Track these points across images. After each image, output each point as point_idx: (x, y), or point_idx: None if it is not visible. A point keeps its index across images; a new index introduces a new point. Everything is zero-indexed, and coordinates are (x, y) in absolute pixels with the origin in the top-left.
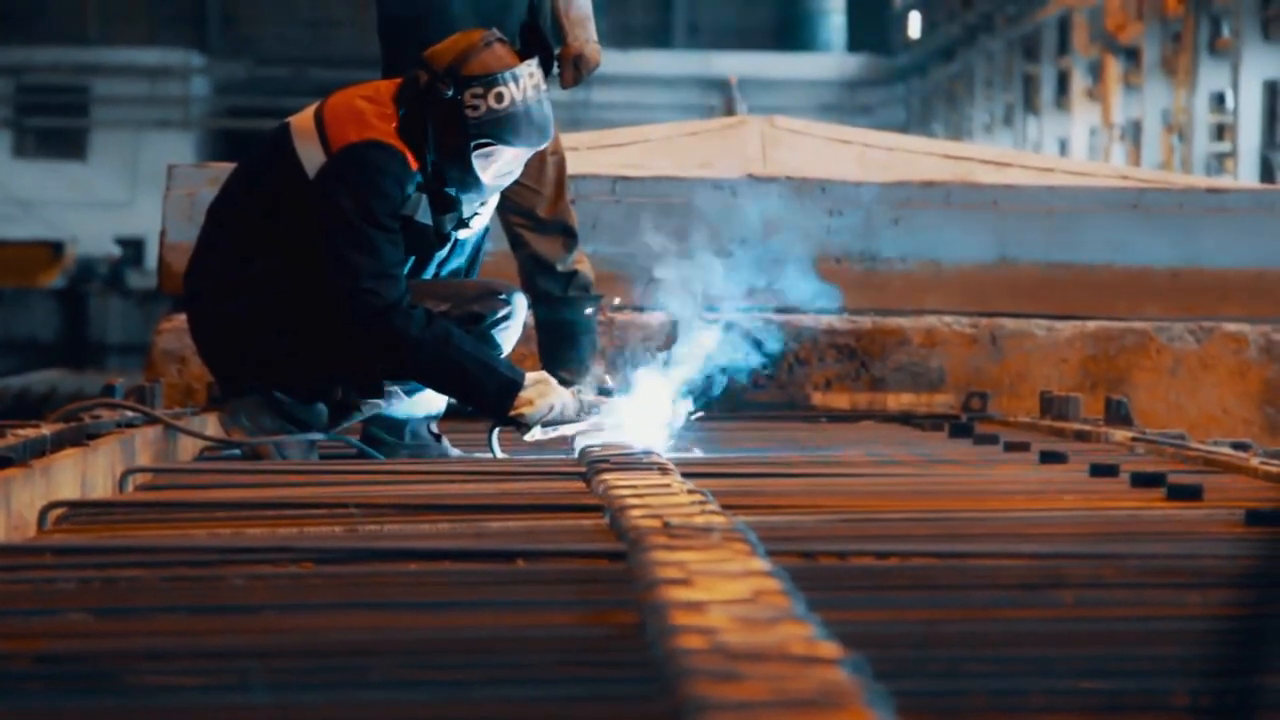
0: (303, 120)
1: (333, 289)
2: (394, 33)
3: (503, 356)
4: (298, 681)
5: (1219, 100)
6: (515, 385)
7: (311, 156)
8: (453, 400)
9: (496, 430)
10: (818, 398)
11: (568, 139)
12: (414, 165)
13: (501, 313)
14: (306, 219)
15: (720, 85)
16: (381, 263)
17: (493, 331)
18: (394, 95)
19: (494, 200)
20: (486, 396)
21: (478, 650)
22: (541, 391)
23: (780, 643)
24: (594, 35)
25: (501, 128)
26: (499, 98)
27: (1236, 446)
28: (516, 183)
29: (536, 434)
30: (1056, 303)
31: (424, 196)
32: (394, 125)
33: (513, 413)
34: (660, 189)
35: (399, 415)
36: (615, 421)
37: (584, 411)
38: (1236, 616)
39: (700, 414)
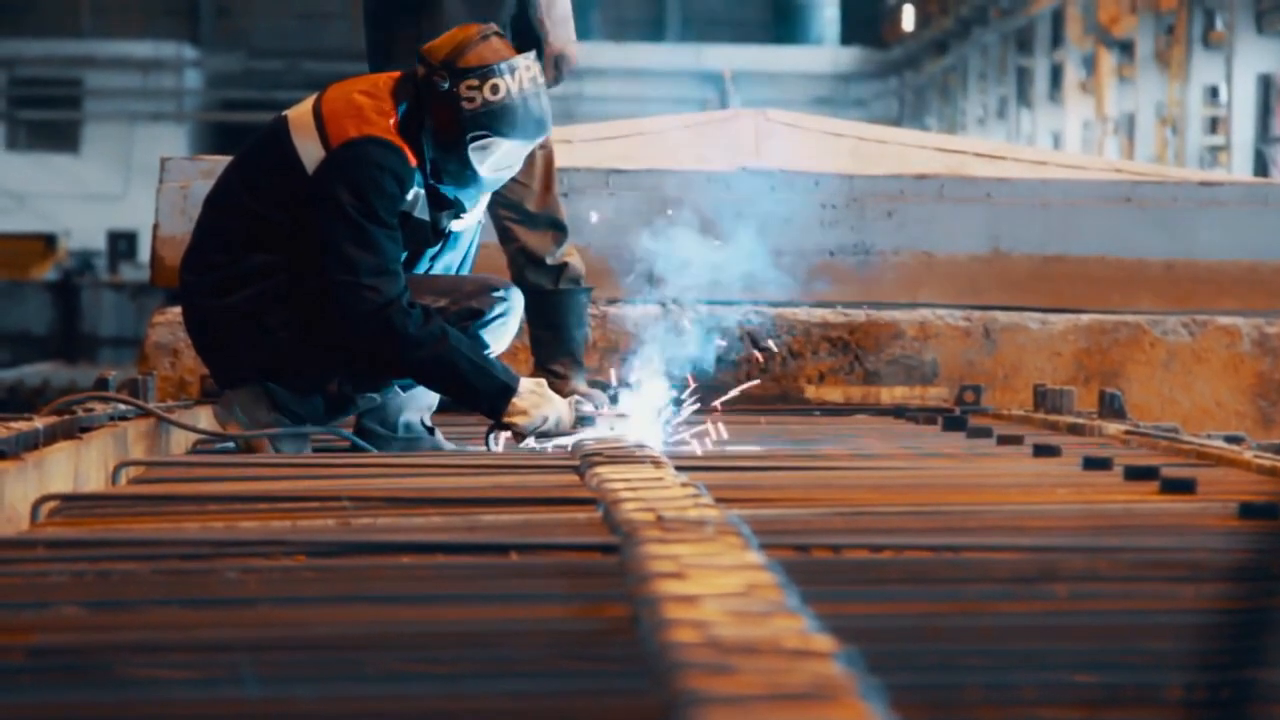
0: (300, 114)
1: (332, 284)
2: (383, 19)
3: (498, 356)
4: (290, 675)
5: (1213, 93)
6: (509, 390)
7: (310, 151)
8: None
9: (494, 432)
10: (811, 391)
11: (561, 132)
12: (413, 161)
13: (499, 309)
14: (304, 213)
15: (714, 78)
16: (381, 259)
17: (490, 328)
18: (392, 90)
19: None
20: (480, 399)
21: (471, 643)
22: (536, 402)
23: (773, 636)
24: (574, 35)
25: (497, 119)
26: (494, 89)
27: (1230, 440)
28: None
29: (531, 443)
30: (1050, 296)
31: (422, 192)
32: (393, 121)
33: (507, 419)
34: (654, 181)
35: (393, 408)
36: (608, 430)
37: (578, 423)
38: (1230, 609)
39: (693, 408)
